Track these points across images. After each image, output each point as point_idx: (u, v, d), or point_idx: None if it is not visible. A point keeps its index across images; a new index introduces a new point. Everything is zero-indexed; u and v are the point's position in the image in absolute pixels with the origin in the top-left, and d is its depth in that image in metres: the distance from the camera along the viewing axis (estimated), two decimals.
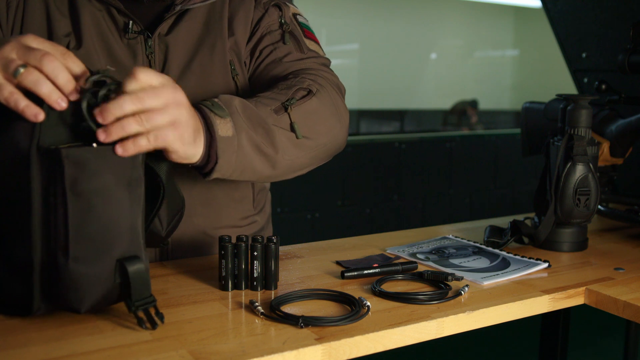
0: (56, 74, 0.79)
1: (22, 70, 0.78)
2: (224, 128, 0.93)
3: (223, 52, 1.16)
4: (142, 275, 0.83)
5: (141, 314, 0.83)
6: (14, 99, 0.78)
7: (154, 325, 0.82)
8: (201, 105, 0.94)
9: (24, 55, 0.79)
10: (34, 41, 0.81)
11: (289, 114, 1.03)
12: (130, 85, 0.81)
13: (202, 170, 0.96)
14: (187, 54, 1.14)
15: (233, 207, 1.23)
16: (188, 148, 0.88)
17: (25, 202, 0.80)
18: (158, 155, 0.93)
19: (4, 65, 0.79)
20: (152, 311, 0.85)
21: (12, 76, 0.78)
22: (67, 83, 0.79)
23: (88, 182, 0.79)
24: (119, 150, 0.81)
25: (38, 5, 1.09)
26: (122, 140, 0.81)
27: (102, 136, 0.80)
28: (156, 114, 0.82)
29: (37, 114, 0.78)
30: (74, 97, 0.80)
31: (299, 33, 1.21)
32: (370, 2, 7.46)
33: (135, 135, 0.82)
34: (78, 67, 0.81)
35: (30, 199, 0.80)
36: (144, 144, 0.82)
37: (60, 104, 0.79)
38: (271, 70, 1.17)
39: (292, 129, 1.03)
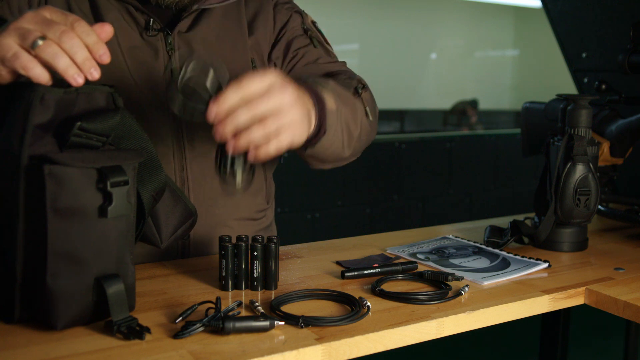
0: (75, 51, 0.77)
1: (40, 42, 0.76)
2: (330, 101, 0.98)
3: (244, 50, 1.19)
4: (121, 296, 0.82)
5: (125, 330, 0.81)
6: (31, 66, 0.77)
7: (141, 337, 0.81)
8: (304, 79, 0.97)
9: (41, 27, 0.78)
10: (49, 12, 0.80)
11: (362, 99, 1.12)
12: (238, 94, 0.82)
13: (305, 143, 0.98)
14: (207, 51, 1.17)
15: (250, 199, 1.26)
16: (301, 137, 0.90)
17: (15, 211, 0.80)
18: (145, 176, 0.93)
19: (21, 34, 0.77)
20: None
21: (30, 47, 0.77)
22: (85, 61, 0.78)
23: (69, 200, 0.79)
24: (251, 157, 0.86)
25: (59, 3, 1.10)
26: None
27: (229, 149, 0.84)
28: (271, 121, 0.83)
29: (39, 75, 0.77)
30: (90, 77, 0.79)
31: (321, 39, 1.28)
32: (371, 2, 7.46)
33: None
34: (90, 38, 0.79)
35: (18, 210, 0.80)
36: (274, 147, 0.85)
37: (77, 79, 0.77)
38: (308, 70, 1.23)
39: (366, 113, 1.12)
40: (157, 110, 1.13)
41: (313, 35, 1.26)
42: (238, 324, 0.82)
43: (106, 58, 0.79)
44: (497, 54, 8.94)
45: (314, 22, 1.30)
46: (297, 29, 1.25)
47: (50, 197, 0.78)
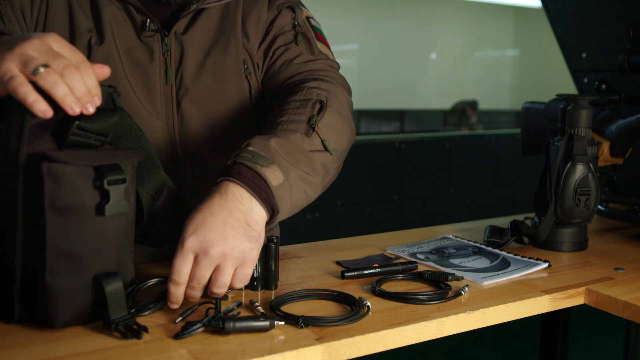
0: (75, 86, 0.79)
1: (42, 69, 0.77)
2: (274, 177, 0.92)
3: (237, 51, 1.18)
4: (119, 294, 0.82)
5: (123, 329, 0.81)
6: (24, 90, 0.77)
7: (138, 336, 0.81)
8: (243, 160, 0.92)
9: (46, 57, 0.78)
10: (56, 43, 0.80)
11: (317, 133, 1.03)
12: (178, 285, 0.87)
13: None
14: (201, 53, 1.16)
15: None
16: (261, 245, 0.91)
17: (13, 209, 0.80)
18: (144, 176, 0.93)
19: (23, 61, 0.78)
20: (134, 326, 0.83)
21: (31, 73, 0.77)
22: (83, 96, 0.79)
23: (68, 198, 0.79)
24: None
25: (61, 2, 1.10)
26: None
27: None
28: (220, 280, 0.87)
29: (45, 111, 0.77)
30: (85, 111, 0.80)
31: (311, 35, 1.23)
32: (370, 2, 7.46)
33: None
34: (91, 81, 0.81)
35: (16, 208, 0.80)
36: (240, 287, 0.91)
37: (74, 108, 0.78)
38: (282, 71, 1.18)
39: (325, 147, 1.03)
40: (151, 114, 1.12)
41: (300, 31, 1.21)
42: (238, 324, 0.83)
43: (98, 101, 0.81)
44: (497, 54, 8.95)
45: (309, 18, 1.25)
46: (284, 25, 1.21)
47: (49, 195, 0.78)
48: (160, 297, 0.90)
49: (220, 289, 0.88)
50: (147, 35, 1.13)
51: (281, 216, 0.95)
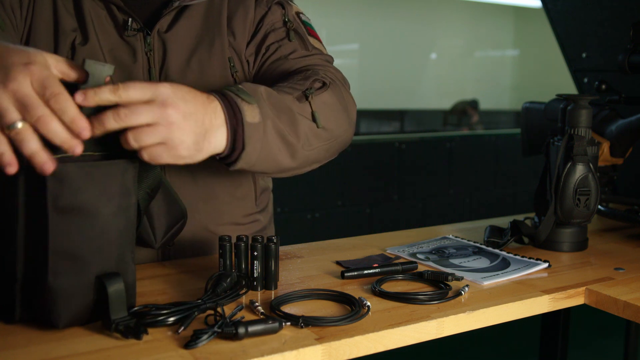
0: (52, 136, 0.76)
1: (19, 125, 0.74)
2: (251, 114, 0.91)
3: (222, 49, 1.16)
4: (121, 294, 0.82)
5: (123, 329, 0.81)
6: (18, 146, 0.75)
7: (138, 336, 0.80)
8: (227, 90, 0.92)
9: (20, 107, 0.75)
10: (24, 86, 0.75)
11: (309, 103, 1.03)
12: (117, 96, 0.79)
13: (225, 160, 0.94)
14: (185, 51, 1.15)
15: (235, 205, 1.23)
16: (192, 158, 0.87)
17: (15, 209, 0.80)
18: (141, 173, 0.92)
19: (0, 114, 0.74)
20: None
21: (6, 127, 0.74)
22: (64, 143, 0.76)
23: (70, 198, 0.79)
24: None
25: (46, 1, 1.10)
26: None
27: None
28: (144, 134, 0.81)
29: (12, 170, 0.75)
30: (72, 152, 0.77)
31: (302, 31, 1.22)
32: (370, 2, 7.46)
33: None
34: (69, 113, 0.76)
35: (18, 208, 0.80)
36: (145, 158, 0.83)
37: (43, 168, 0.75)
38: (277, 67, 1.17)
39: (313, 118, 1.02)
40: None
41: (292, 28, 1.20)
42: (251, 328, 0.82)
43: (87, 133, 0.77)
44: (497, 54, 8.95)
45: (298, 13, 1.24)
46: (275, 22, 1.20)
47: (52, 195, 0.78)
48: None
49: (134, 141, 0.81)
50: (129, 34, 1.12)
51: (245, 158, 0.92)
